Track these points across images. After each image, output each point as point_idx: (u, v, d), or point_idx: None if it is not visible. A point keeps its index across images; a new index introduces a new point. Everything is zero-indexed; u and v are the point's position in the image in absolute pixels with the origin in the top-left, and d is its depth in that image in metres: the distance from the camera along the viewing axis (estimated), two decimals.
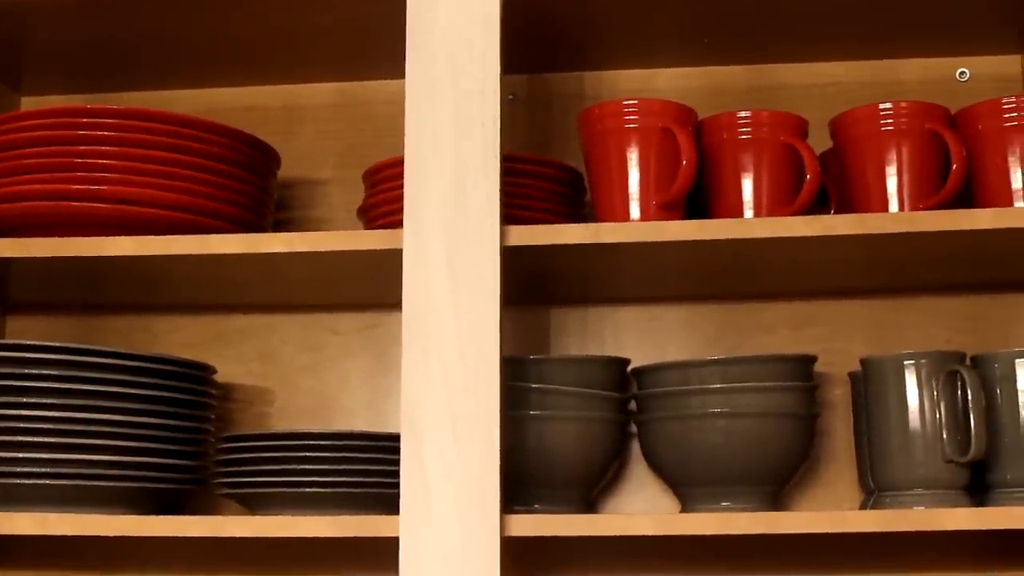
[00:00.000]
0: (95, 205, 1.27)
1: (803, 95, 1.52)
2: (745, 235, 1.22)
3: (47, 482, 1.24)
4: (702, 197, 1.33)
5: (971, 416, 1.22)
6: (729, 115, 1.30)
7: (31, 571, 1.51)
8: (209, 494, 1.45)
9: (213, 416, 1.41)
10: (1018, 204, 1.27)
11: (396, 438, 1.24)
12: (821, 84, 1.53)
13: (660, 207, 1.27)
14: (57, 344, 1.26)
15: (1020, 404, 1.25)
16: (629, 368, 1.38)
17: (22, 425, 1.24)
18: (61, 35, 1.44)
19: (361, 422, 1.50)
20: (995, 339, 1.45)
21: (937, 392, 1.24)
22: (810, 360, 1.33)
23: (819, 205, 1.34)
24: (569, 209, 1.38)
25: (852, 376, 1.36)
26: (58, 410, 1.25)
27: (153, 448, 1.30)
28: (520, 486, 1.28)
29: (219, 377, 1.50)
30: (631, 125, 1.28)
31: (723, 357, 1.31)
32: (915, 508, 1.23)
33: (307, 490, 1.26)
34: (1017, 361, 1.26)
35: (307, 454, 1.27)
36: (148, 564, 1.49)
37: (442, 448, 1.16)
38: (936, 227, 1.20)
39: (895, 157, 1.27)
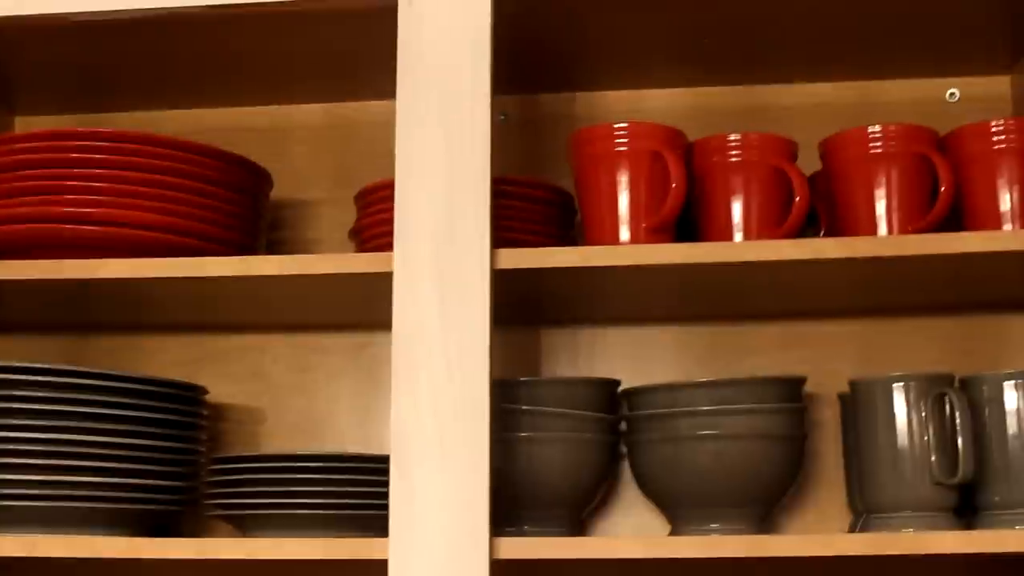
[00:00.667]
0: (85, 228, 1.27)
1: (792, 116, 1.52)
2: (734, 259, 1.22)
3: (36, 504, 1.24)
4: (692, 219, 1.33)
5: (959, 438, 1.22)
6: (719, 138, 1.31)
7: None
8: (200, 515, 1.45)
9: (204, 436, 1.41)
10: (1006, 227, 1.27)
11: (386, 460, 1.25)
12: (810, 105, 1.53)
13: (650, 230, 1.27)
14: (45, 366, 1.26)
15: (1008, 426, 1.25)
16: (619, 389, 1.38)
17: (10, 447, 1.24)
18: (53, 56, 1.44)
19: (351, 442, 1.50)
20: (984, 361, 1.46)
21: (926, 414, 1.25)
22: (799, 382, 1.34)
23: (808, 226, 1.35)
24: (559, 231, 1.39)
25: (841, 397, 1.37)
26: (47, 431, 1.25)
27: (143, 469, 1.29)
28: (510, 507, 1.29)
29: (210, 397, 1.50)
30: (621, 148, 1.28)
31: (712, 379, 1.31)
32: (904, 531, 1.23)
33: (298, 512, 1.26)
34: (1005, 383, 1.26)
35: (298, 476, 1.27)
36: None
37: (431, 470, 1.17)
38: (925, 251, 1.21)
39: (884, 180, 1.28)
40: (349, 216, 1.44)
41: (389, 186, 1.28)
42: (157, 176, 1.29)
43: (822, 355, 1.48)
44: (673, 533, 1.32)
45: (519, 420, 1.30)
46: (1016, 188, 1.27)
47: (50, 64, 1.47)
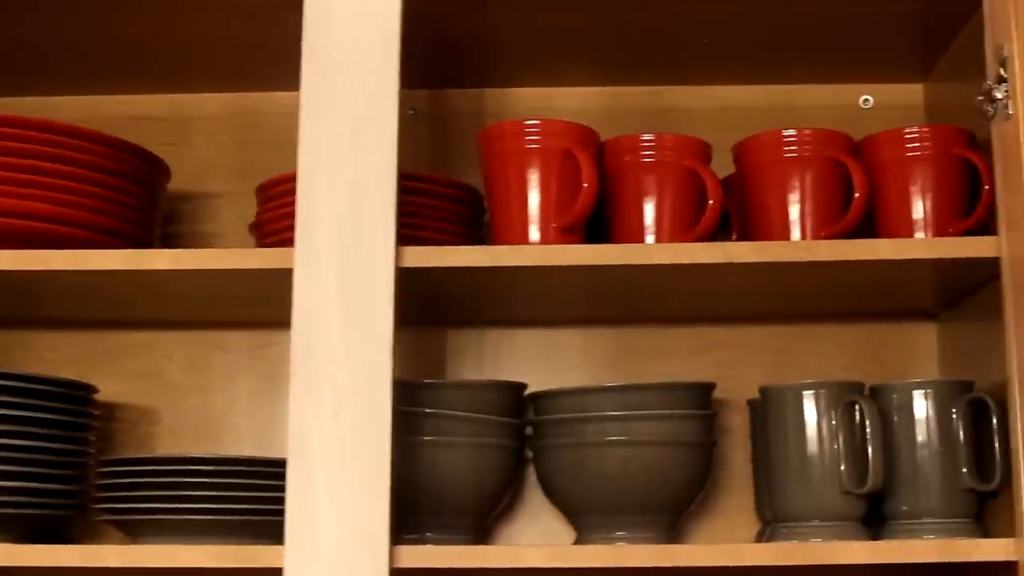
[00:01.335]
0: None
1: (704, 118, 1.51)
2: (645, 261, 1.20)
3: None
4: (603, 220, 1.30)
5: (869, 447, 1.21)
6: (632, 138, 1.28)
7: None
8: (89, 520, 1.38)
9: (94, 438, 1.36)
10: (918, 235, 1.26)
11: (284, 464, 1.20)
12: (722, 107, 1.52)
13: (560, 230, 1.24)
14: None
15: (917, 435, 1.25)
16: (526, 393, 1.35)
17: None
18: None
19: (248, 445, 1.45)
20: (893, 368, 1.45)
21: (836, 422, 1.23)
22: (709, 387, 1.32)
23: (720, 230, 1.32)
24: (467, 230, 1.35)
25: (751, 404, 1.35)
26: None
27: (29, 472, 1.24)
28: (412, 514, 1.25)
29: (101, 397, 1.44)
30: (532, 146, 1.25)
31: (621, 384, 1.29)
32: (812, 540, 1.22)
33: (190, 517, 1.21)
34: (915, 392, 1.25)
35: (191, 479, 1.22)
36: None
37: (330, 475, 1.12)
38: (838, 256, 1.19)
39: (798, 184, 1.26)
40: (250, 210, 1.38)
41: (292, 179, 1.23)
42: (47, 164, 1.23)
43: (732, 360, 1.46)
44: (579, 541, 1.30)
45: (422, 423, 1.26)
46: (929, 196, 1.27)
47: None
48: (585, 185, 1.22)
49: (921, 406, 1.25)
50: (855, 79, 1.51)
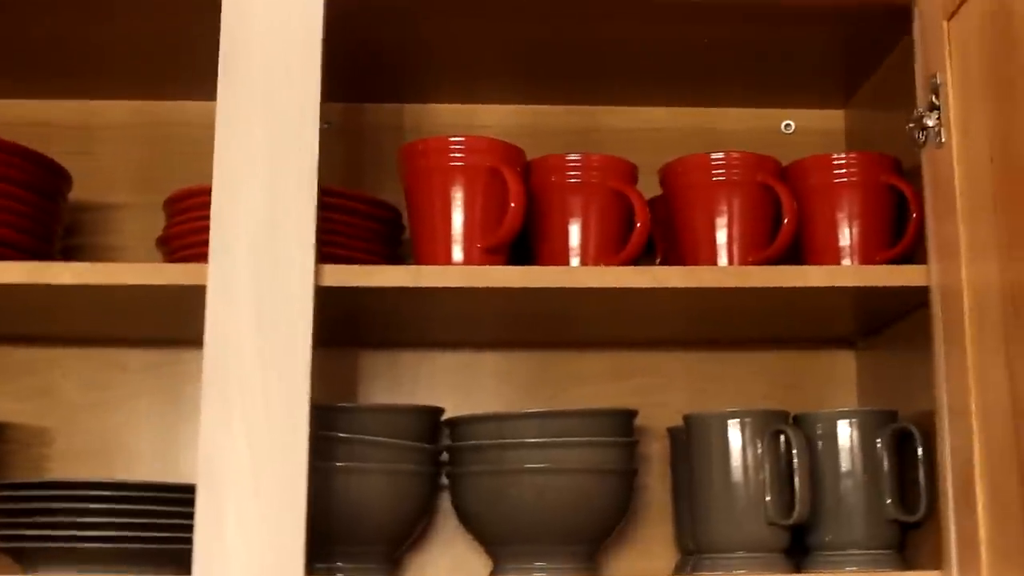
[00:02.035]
0: None
1: (627, 139, 1.48)
2: (573, 284, 1.17)
3: None
4: (526, 240, 1.27)
5: (796, 477, 1.19)
6: (558, 157, 1.25)
7: None
8: None
9: None
10: (845, 262, 1.25)
11: (189, 489, 1.14)
12: (646, 129, 1.50)
13: (484, 251, 1.20)
14: None
15: (842, 465, 1.23)
16: (443, 418, 1.31)
17: None
18: None
19: (149, 468, 1.39)
20: (810, 396, 1.45)
21: (762, 452, 1.21)
22: (631, 414, 1.29)
23: (645, 252, 1.30)
24: (386, 248, 1.31)
25: (671, 431, 1.33)
26: None
27: None
28: (322, 542, 1.20)
29: None
30: (457, 163, 1.21)
31: (541, 410, 1.26)
32: (736, 572, 1.20)
33: (87, 546, 1.15)
34: (839, 421, 1.24)
35: (88, 505, 1.16)
36: None
37: (242, 502, 1.07)
38: (768, 283, 1.18)
39: (726, 208, 1.24)
40: (156, 223, 1.32)
41: (204, 192, 1.18)
42: None
43: (651, 386, 1.45)
44: (495, 571, 1.26)
45: (336, 448, 1.21)
46: (856, 222, 1.26)
47: None
48: (512, 204, 1.18)
49: (846, 436, 1.24)
50: (777, 104, 1.50)
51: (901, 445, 1.25)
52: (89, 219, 1.45)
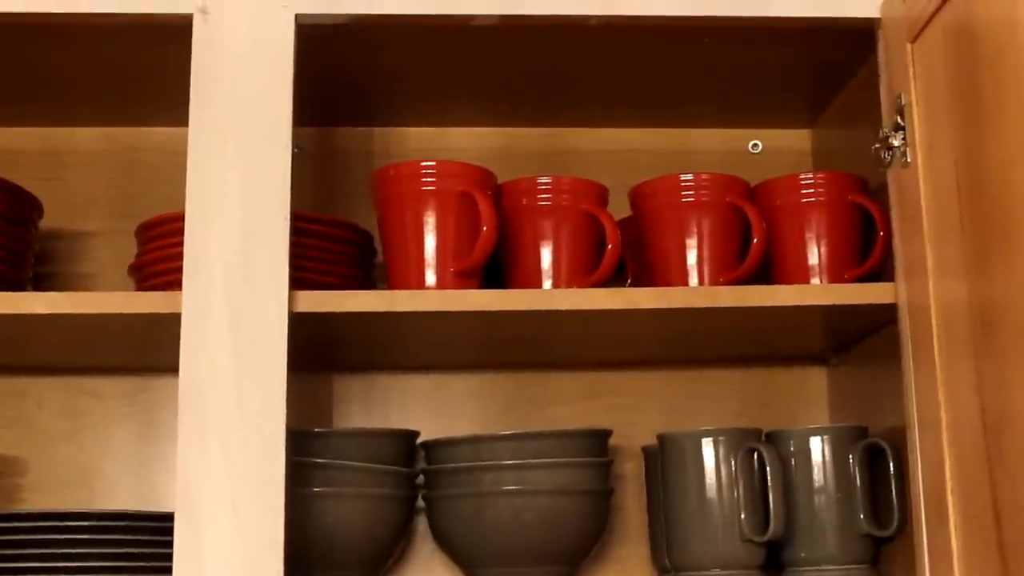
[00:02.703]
0: None
1: (597, 160, 1.49)
2: (546, 306, 1.18)
3: None
4: (497, 263, 1.28)
5: (770, 494, 1.20)
6: (529, 180, 1.26)
7: None
8: None
9: None
10: (814, 280, 1.27)
11: (167, 517, 1.14)
12: (616, 150, 1.51)
13: (458, 274, 1.21)
14: None
15: (814, 481, 1.25)
16: (418, 441, 1.32)
17: None
18: None
19: (125, 496, 1.38)
20: (783, 413, 1.46)
21: (736, 470, 1.22)
22: (605, 434, 1.30)
23: (616, 274, 1.31)
24: (359, 272, 1.31)
25: (646, 450, 1.34)
26: None
27: None
28: (300, 567, 1.19)
29: None
30: (429, 187, 1.22)
31: (517, 432, 1.27)
32: None
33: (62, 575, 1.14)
34: (812, 438, 1.25)
35: (64, 536, 1.15)
36: None
37: (220, 529, 1.07)
38: (739, 303, 1.19)
39: (695, 229, 1.25)
40: (128, 250, 1.32)
41: (177, 219, 1.18)
42: None
43: (624, 406, 1.45)
44: None
45: (312, 473, 1.22)
46: (824, 241, 1.27)
47: None
48: (485, 228, 1.19)
49: (818, 452, 1.25)
50: (745, 124, 1.51)
51: (873, 460, 1.26)
52: (61, 247, 1.44)
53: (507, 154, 1.48)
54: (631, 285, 1.37)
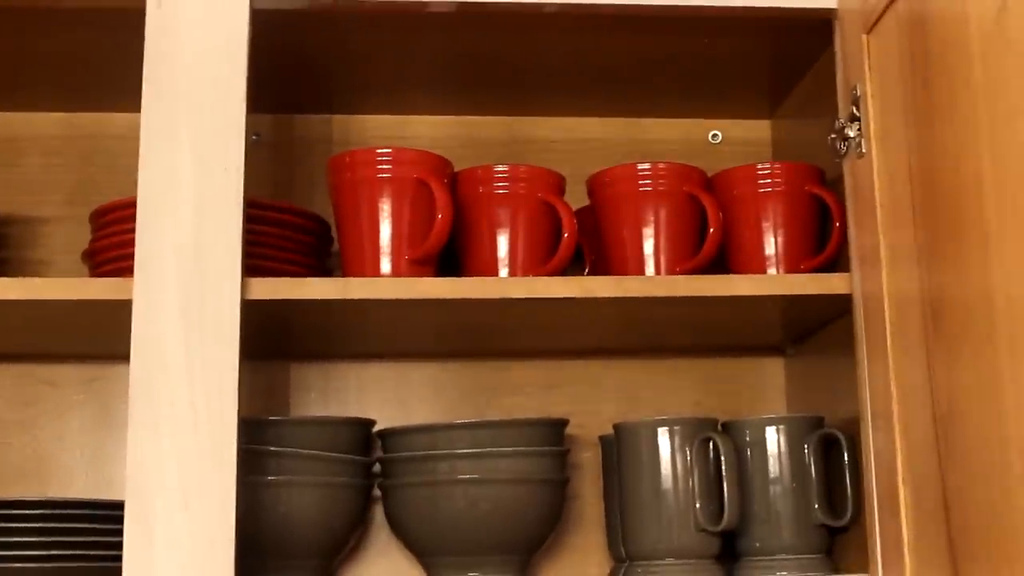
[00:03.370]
0: None
1: (557, 149, 1.49)
2: (501, 295, 1.17)
3: None
4: (454, 251, 1.27)
5: (725, 484, 1.20)
6: (486, 169, 1.26)
7: None
8: None
9: None
10: (771, 271, 1.27)
11: (120, 506, 1.13)
12: (575, 139, 1.51)
13: (412, 262, 1.20)
14: None
15: (770, 471, 1.25)
16: (374, 430, 1.31)
17: None
18: None
19: (81, 485, 1.37)
20: (742, 403, 1.46)
21: (691, 459, 1.22)
22: (562, 424, 1.30)
23: (574, 263, 1.31)
24: (314, 260, 1.31)
25: (603, 440, 1.34)
26: None
27: None
28: (255, 556, 1.19)
29: None
30: (384, 175, 1.21)
31: (473, 421, 1.26)
32: None
33: (16, 566, 1.13)
34: (767, 428, 1.26)
35: (17, 524, 1.15)
36: None
37: (171, 518, 1.06)
38: (695, 292, 1.19)
39: (652, 218, 1.25)
40: (83, 237, 1.31)
41: (130, 205, 1.17)
42: None
43: (584, 394, 1.45)
44: None
45: (267, 462, 1.21)
46: (781, 232, 1.27)
47: None
48: (440, 216, 1.18)
49: (774, 442, 1.25)
50: (705, 114, 1.52)
51: (828, 451, 1.26)
52: (16, 232, 1.43)
53: (466, 142, 1.48)
54: (589, 274, 1.37)
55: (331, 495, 1.24)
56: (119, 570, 1.09)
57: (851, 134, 1.15)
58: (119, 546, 1.12)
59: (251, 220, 1.19)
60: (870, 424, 1.12)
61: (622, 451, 1.26)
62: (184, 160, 1.13)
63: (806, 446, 1.25)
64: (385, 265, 1.20)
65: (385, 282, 1.18)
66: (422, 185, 1.20)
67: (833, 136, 1.18)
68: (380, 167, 1.22)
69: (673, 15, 1.22)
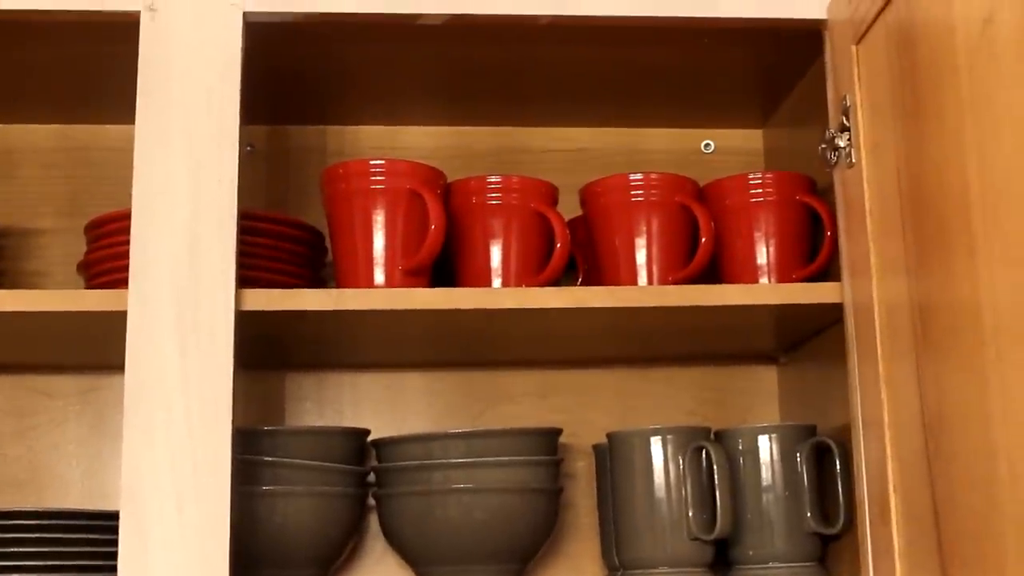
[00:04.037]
0: None
1: (549, 159, 1.50)
2: (494, 305, 1.18)
3: None
4: (448, 261, 1.28)
5: (717, 493, 1.21)
6: (479, 179, 1.26)
7: None
8: None
9: None
10: (763, 280, 1.27)
11: (115, 516, 1.14)
12: (568, 149, 1.51)
13: (406, 273, 1.21)
14: None
15: (763, 480, 1.25)
16: (369, 439, 1.32)
17: None
18: None
19: (77, 495, 1.38)
20: (735, 411, 1.47)
21: (683, 468, 1.23)
22: (555, 433, 1.30)
23: (567, 272, 1.31)
24: (309, 270, 1.31)
25: (596, 448, 1.34)
26: None
27: None
28: (250, 566, 1.20)
29: None
30: (377, 186, 1.22)
31: (467, 430, 1.27)
32: None
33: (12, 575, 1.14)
34: (760, 437, 1.26)
35: (12, 535, 1.15)
36: None
37: (166, 528, 1.07)
38: (687, 301, 1.19)
39: (645, 228, 1.26)
40: (78, 248, 1.32)
41: (125, 217, 1.18)
42: None
43: (577, 403, 1.46)
44: None
45: (262, 472, 1.22)
46: (773, 241, 1.28)
47: None
48: (433, 227, 1.19)
49: (766, 451, 1.26)
50: (697, 124, 1.52)
51: (821, 459, 1.27)
52: (11, 244, 1.43)
53: (459, 153, 1.48)
54: (582, 283, 1.38)
55: (326, 505, 1.25)
56: None
57: (841, 144, 1.16)
58: (115, 556, 1.12)
59: (245, 231, 1.19)
60: (861, 432, 1.13)
61: (615, 460, 1.27)
62: (178, 171, 1.13)
63: (798, 454, 1.25)
64: (379, 276, 1.21)
65: (379, 293, 1.18)
66: (415, 196, 1.21)
67: (823, 146, 1.19)
68: (374, 178, 1.22)
69: (665, 26, 1.23)
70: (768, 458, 1.25)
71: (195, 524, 1.07)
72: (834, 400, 1.25)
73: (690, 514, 1.22)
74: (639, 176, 1.27)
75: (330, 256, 1.29)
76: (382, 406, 1.44)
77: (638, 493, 1.24)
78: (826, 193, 1.26)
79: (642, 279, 1.25)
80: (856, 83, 1.13)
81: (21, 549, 1.15)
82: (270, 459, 1.22)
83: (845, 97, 1.15)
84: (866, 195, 1.11)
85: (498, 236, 1.25)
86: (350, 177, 1.23)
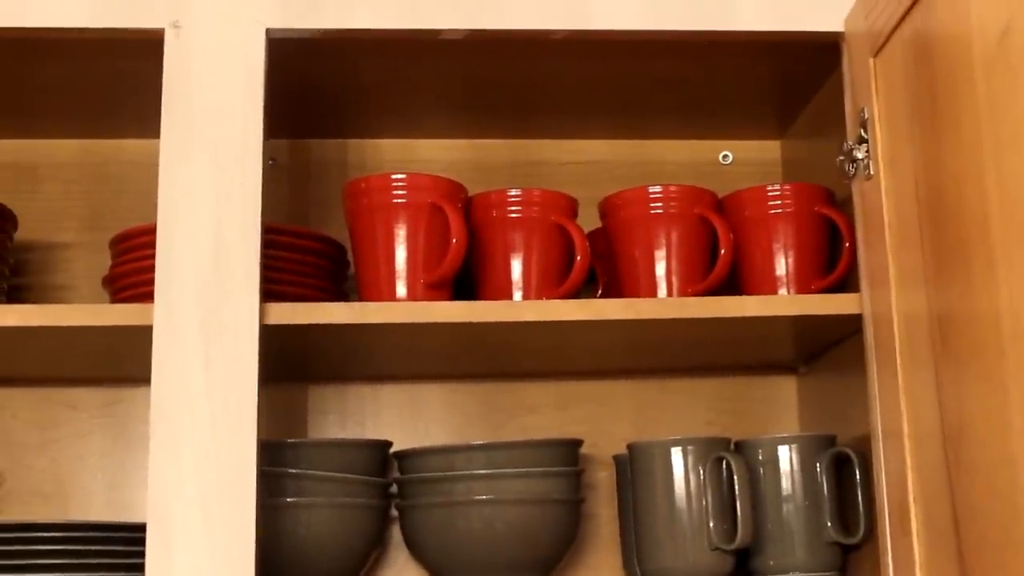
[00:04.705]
0: None
1: (567, 172, 1.51)
2: (515, 318, 1.19)
3: None
4: (469, 274, 1.29)
5: (738, 503, 1.21)
6: (499, 193, 1.27)
7: None
8: None
9: None
10: (781, 291, 1.28)
11: (140, 528, 1.15)
12: (584, 161, 1.52)
13: (428, 286, 1.22)
14: None
15: (783, 490, 1.26)
16: (391, 451, 1.33)
17: None
18: None
19: (101, 506, 1.39)
20: (754, 422, 1.47)
21: (704, 478, 1.24)
22: (576, 444, 1.31)
23: (586, 284, 1.32)
24: (331, 284, 1.32)
25: (617, 459, 1.35)
26: None
27: None
28: None
29: None
30: (399, 200, 1.23)
31: (488, 442, 1.27)
32: None
33: None
34: (780, 447, 1.27)
35: (39, 547, 1.16)
36: None
37: (191, 540, 1.08)
38: (706, 313, 1.20)
39: (664, 240, 1.26)
40: (103, 262, 1.33)
41: (150, 232, 1.19)
42: None
43: (598, 414, 1.46)
44: None
45: (286, 484, 1.22)
46: (791, 252, 1.28)
47: None
48: (454, 241, 1.20)
49: (786, 461, 1.26)
50: (715, 135, 1.53)
51: (841, 469, 1.27)
52: (36, 259, 1.45)
53: (477, 165, 1.49)
54: (602, 296, 1.39)
55: (349, 516, 1.25)
56: None
57: (859, 156, 1.16)
58: (139, 568, 1.13)
59: (268, 245, 1.20)
60: (881, 442, 1.13)
61: (636, 471, 1.27)
62: (203, 185, 1.14)
63: (818, 464, 1.26)
64: (401, 289, 1.22)
65: (401, 306, 1.19)
66: (437, 210, 1.22)
67: (842, 158, 1.19)
68: (395, 192, 1.23)
69: (681, 39, 1.23)
70: (788, 468, 1.26)
71: (221, 535, 1.08)
72: (854, 410, 1.26)
73: (711, 524, 1.23)
74: (658, 188, 1.27)
75: (352, 269, 1.30)
76: (404, 418, 1.45)
77: (659, 504, 1.24)
78: (844, 204, 1.26)
79: (661, 291, 1.26)
80: (874, 95, 1.14)
81: (46, 561, 1.15)
82: (294, 471, 1.23)
83: (863, 109, 1.15)
84: (884, 206, 1.11)
85: (519, 249, 1.25)
86: (372, 191, 1.24)
